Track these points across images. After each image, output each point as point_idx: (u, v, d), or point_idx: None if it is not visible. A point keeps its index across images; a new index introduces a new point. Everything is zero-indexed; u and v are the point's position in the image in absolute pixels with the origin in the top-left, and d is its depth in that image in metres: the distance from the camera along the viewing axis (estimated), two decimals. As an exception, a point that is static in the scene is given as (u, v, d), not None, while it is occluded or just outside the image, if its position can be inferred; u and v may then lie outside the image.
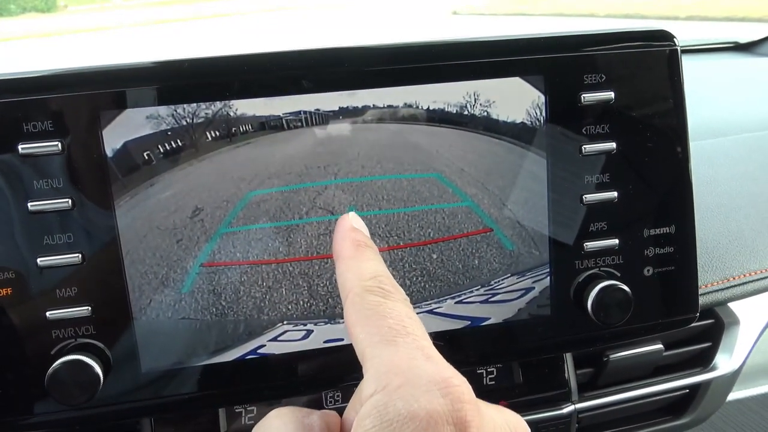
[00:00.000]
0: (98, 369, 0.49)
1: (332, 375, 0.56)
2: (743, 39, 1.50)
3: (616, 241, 0.56)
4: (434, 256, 0.55)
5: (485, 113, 0.53)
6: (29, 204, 0.48)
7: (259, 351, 0.53)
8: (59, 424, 0.52)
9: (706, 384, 0.70)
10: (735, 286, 0.70)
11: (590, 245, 0.56)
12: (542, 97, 0.54)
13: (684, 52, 1.38)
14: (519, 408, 0.63)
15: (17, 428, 0.51)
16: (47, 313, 0.49)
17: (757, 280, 0.71)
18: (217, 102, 0.49)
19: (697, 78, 1.19)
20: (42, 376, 0.48)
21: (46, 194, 0.48)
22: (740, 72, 1.31)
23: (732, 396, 1.06)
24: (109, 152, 0.48)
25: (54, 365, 0.48)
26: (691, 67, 1.26)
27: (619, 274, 0.56)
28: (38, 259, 0.48)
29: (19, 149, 0.47)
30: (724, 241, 0.72)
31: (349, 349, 0.53)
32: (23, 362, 0.49)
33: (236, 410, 0.61)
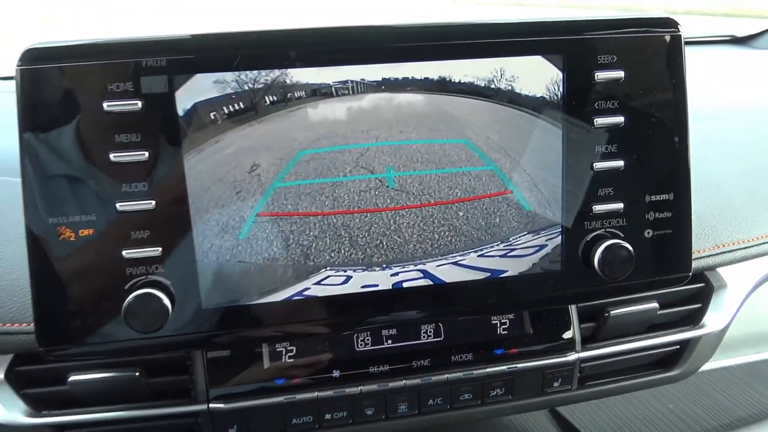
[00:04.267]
0: (167, 302, 0.56)
1: (367, 317, 0.63)
2: (740, 33, 1.57)
3: (621, 205, 0.63)
4: (460, 214, 0.62)
5: (510, 87, 0.60)
6: (111, 155, 0.54)
7: (304, 293, 0.60)
8: (131, 350, 0.59)
9: (695, 340, 0.78)
10: (724, 252, 0.77)
11: (598, 208, 0.63)
12: (560, 74, 0.60)
13: (685, 43, 1.45)
14: (528, 355, 0.71)
15: (95, 354, 0.58)
16: (123, 252, 0.56)
17: (744, 248, 0.78)
18: (276, 70, 0.56)
19: (696, 67, 1.26)
20: (117, 308, 0.55)
21: (125, 147, 0.54)
22: (736, 62, 1.38)
23: (718, 364, 1.15)
24: (180, 112, 0.55)
25: (129, 298, 0.55)
26: (690, 57, 1.33)
27: (622, 235, 0.64)
28: (117, 204, 0.55)
29: (104, 106, 0.53)
30: (715, 213, 0.79)
31: (383, 294, 0.60)
32: (101, 295, 0.56)
33: (277, 349, 0.68)
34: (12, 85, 0.54)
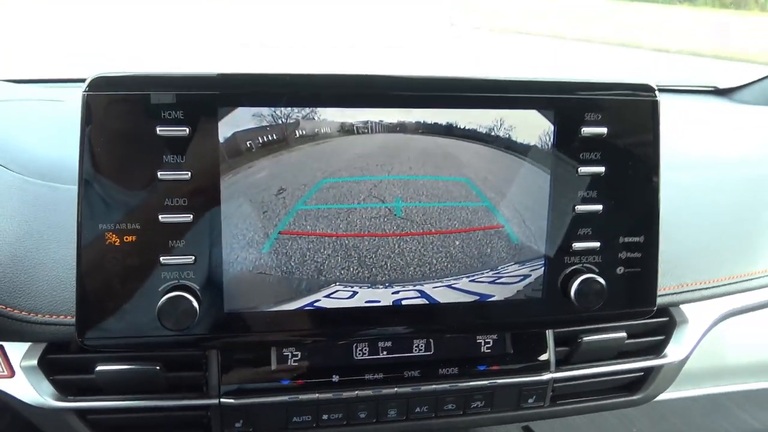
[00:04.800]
0: (195, 304, 0.63)
1: (369, 328, 0.71)
2: (722, 84, 1.67)
3: (598, 244, 0.72)
4: (457, 243, 0.70)
5: (507, 135, 0.69)
6: (159, 173, 0.62)
7: (315, 304, 0.68)
8: (160, 345, 0.67)
9: (657, 368, 0.87)
10: (687, 291, 0.86)
11: (577, 245, 0.72)
12: (552, 127, 0.69)
13: (668, 91, 1.55)
14: (507, 372, 0.79)
15: (127, 346, 0.66)
16: (161, 258, 0.64)
17: (705, 288, 0.87)
18: (306, 108, 0.65)
19: (677, 116, 1.36)
20: (151, 307, 0.63)
21: (172, 167, 0.62)
22: (716, 115, 1.48)
23: (681, 394, 1.24)
24: (221, 139, 0.63)
25: (163, 299, 0.63)
26: (673, 106, 1.43)
27: (597, 270, 0.72)
28: (159, 216, 0.63)
29: (157, 131, 0.61)
30: (682, 255, 0.88)
31: (384, 309, 0.68)
32: (138, 294, 0.64)
33: (284, 353, 0.75)
34: (52, 92, 0.61)
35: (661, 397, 1.10)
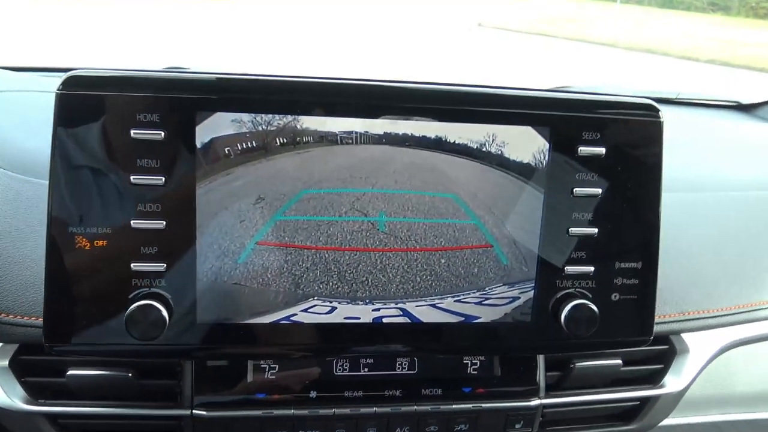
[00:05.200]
0: (165, 314, 0.61)
1: (346, 346, 0.68)
2: (745, 99, 1.61)
3: (592, 268, 0.69)
4: (442, 261, 0.67)
5: (499, 151, 0.66)
6: (131, 177, 0.60)
7: (291, 318, 0.66)
8: (128, 354, 0.64)
9: (654, 398, 0.83)
10: (689, 320, 0.82)
11: (570, 269, 0.68)
12: (547, 145, 0.66)
13: (686, 104, 1.50)
14: (494, 396, 0.76)
15: (94, 353, 0.64)
16: (132, 265, 0.62)
17: (710, 317, 0.83)
18: (288, 115, 0.62)
19: (694, 131, 1.31)
20: (121, 314, 0.61)
21: (145, 171, 0.60)
22: (734, 132, 1.42)
23: (682, 420, 1.19)
24: (198, 144, 0.61)
25: (132, 307, 0.61)
26: (691, 121, 1.38)
27: (590, 296, 0.69)
28: (131, 221, 0.61)
29: (131, 133, 0.59)
30: (686, 281, 0.84)
31: (363, 326, 0.65)
32: (107, 301, 0.62)
33: (262, 365, 0.73)
34: (40, 83, 0.59)
35: (663, 422, 1.05)
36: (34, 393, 0.71)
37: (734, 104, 1.61)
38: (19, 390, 0.70)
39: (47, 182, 0.71)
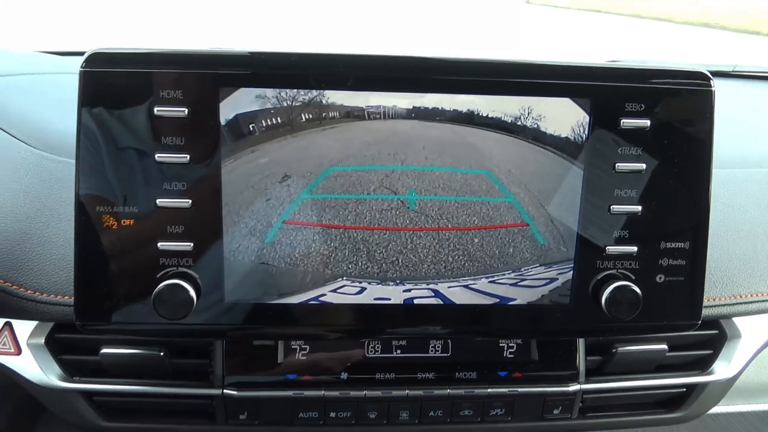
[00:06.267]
0: (193, 293, 0.60)
1: (377, 327, 0.66)
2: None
3: (635, 248, 0.65)
4: (476, 241, 0.65)
5: (535, 125, 0.62)
6: (156, 155, 0.59)
7: (320, 298, 0.64)
8: (156, 333, 0.64)
9: (702, 386, 0.79)
10: (741, 303, 0.77)
11: (612, 249, 0.65)
12: (587, 118, 0.62)
13: (744, 77, 1.42)
14: (531, 380, 0.73)
15: (122, 332, 0.64)
16: (158, 244, 0.61)
17: (764, 301, 0.78)
18: (314, 90, 0.60)
19: (752, 105, 1.23)
20: (148, 294, 0.61)
21: (170, 149, 0.59)
22: None
23: (732, 408, 1.14)
24: (222, 121, 0.59)
25: (160, 286, 0.60)
26: (748, 94, 1.30)
27: (633, 277, 0.65)
28: (157, 200, 0.60)
29: (155, 111, 0.58)
30: (737, 262, 0.79)
31: (395, 307, 0.64)
32: (136, 280, 0.62)
33: (292, 346, 0.72)
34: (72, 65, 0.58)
35: (709, 410, 1.01)
36: (70, 371, 0.72)
37: None
38: (56, 368, 0.71)
39: None
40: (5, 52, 1.06)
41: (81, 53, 0.59)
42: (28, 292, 0.68)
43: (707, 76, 0.63)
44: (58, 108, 0.83)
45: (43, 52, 1.08)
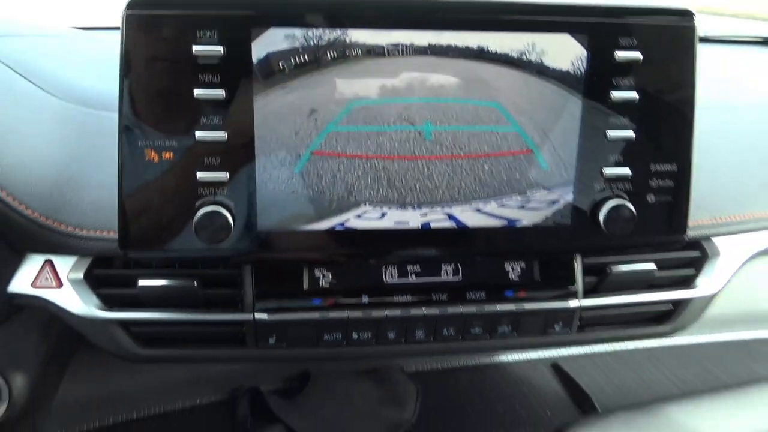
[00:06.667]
0: (230, 219, 0.66)
1: (397, 249, 0.73)
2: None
3: (629, 171, 0.72)
4: (486, 167, 0.71)
5: (539, 60, 0.68)
6: (195, 91, 0.64)
7: (345, 224, 0.70)
8: (196, 258, 0.70)
9: (686, 301, 0.87)
10: (720, 225, 0.85)
11: (608, 172, 0.72)
12: (585, 52, 0.69)
13: (720, 41, 1.50)
14: (534, 299, 0.81)
15: (166, 259, 0.69)
16: (197, 174, 0.66)
17: (741, 223, 0.87)
18: (338, 29, 0.65)
19: (725, 65, 1.31)
20: (188, 221, 0.66)
21: (207, 85, 0.64)
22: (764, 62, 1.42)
23: (714, 338, 1.24)
24: (254, 59, 0.64)
25: (199, 213, 0.65)
26: (721, 55, 1.38)
27: (627, 197, 0.72)
28: (196, 133, 0.65)
29: (193, 50, 0.63)
30: (719, 189, 0.87)
31: (413, 231, 0.70)
32: (176, 209, 0.67)
33: (316, 274, 0.78)
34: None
35: (693, 340, 1.10)
36: (108, 303, 0.77)
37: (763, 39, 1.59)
38: (95, 300, 0.76)
39: (107, 113, 0.76)
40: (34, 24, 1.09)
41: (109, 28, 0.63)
42: (69, 228, 0.72)
43: (690, 12, 0.70)
44: (89, 68, 0.87)
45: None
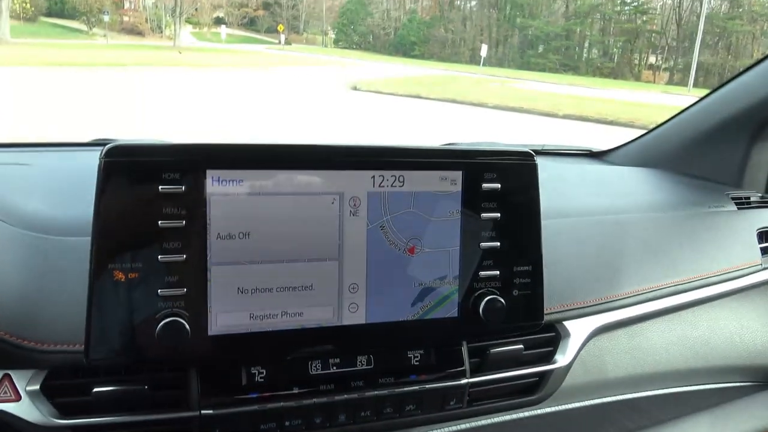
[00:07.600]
0: (188, 327, 0.79)
1: (316, 350, 0.89)
2: (596, 148, 1.98)
3: (498, 272, 0.94)
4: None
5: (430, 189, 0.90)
6: (159, 222, 0.79)
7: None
8: (156, 363, 0.81)
9: (548, 372, 1.09)
10: (568, 310, 1.10)
11: (482, 274, 0.93)
12: (459, 184, 0.91)
13: (550, 154, 1.85)
14: (433, 379, 0.98)
15: (131, 364, 0.80)
16: (159, 291, 0.79)
17: (582, 308, 1.12)
18: (265, 170, 0.83)
19: (557, 176, 1.63)
20: (150, 330, 0.78)
21: (170, 217, 0.79)
22: (589, 174, 1.77)
23: (575, 405, 1.45)
24: (208, 193, 0.81)
25: (161, 323, 0.78)
26: (553, 167, 1.71)
27: (498, 293, 0.94)
28: (159, 257, 0.79)
29: (159, 189, 0.78)
30: (565, 282, 1.12)
31: (321, 330, 0.86)
32: (139, 321, 0.79)
33: (252, 371, 0.91)
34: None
35: (557, 408, 1.32)
36: (64, 411, 0.85)
37: (587, 152, 1.97)
38: (51, 409, 0.84)
39: (61, 237, 0.88)
40: None
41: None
42: (32, 343, 0.82)
43: (531, 154, 0.96)
44: (47, 197, 0.99)
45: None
